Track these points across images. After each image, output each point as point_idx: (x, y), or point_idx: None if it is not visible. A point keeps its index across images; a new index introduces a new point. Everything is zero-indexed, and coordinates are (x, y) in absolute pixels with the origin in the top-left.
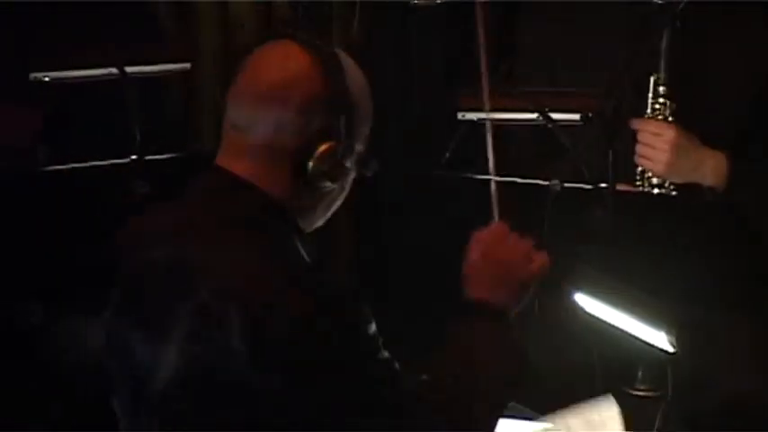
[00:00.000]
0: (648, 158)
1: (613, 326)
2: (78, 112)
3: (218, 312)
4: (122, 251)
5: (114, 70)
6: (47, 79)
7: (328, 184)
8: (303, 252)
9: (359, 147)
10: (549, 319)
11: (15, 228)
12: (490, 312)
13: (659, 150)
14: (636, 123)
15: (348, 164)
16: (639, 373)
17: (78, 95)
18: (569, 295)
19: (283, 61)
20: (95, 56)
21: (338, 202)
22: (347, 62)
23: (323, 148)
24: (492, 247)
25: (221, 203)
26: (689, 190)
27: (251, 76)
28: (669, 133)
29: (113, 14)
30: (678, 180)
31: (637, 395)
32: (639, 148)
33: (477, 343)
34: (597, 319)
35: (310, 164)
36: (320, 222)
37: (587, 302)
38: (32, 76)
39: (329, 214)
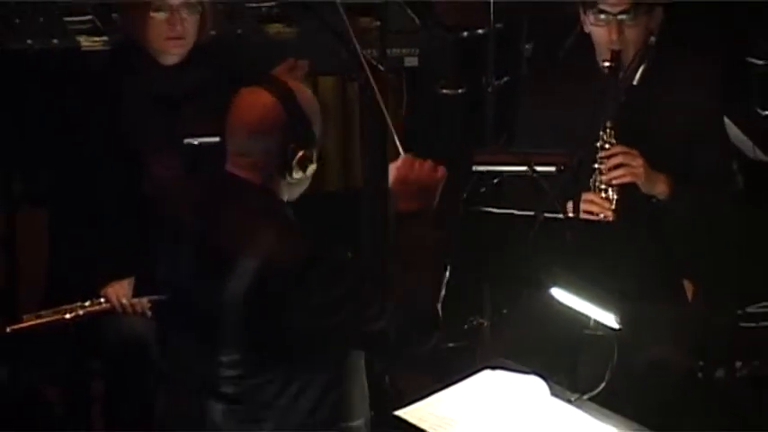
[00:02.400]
0: (631, 171)
1: (578, 310)
2: (211, 164)
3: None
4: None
5: None
6: (195, 143)
7: (303, 175)
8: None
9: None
10: (533, 305)
11: None
12: (417, 215)
13: (636, 163)
14: (608, 150)
15: (314, 156)
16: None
17: (212, 154)
18: (547, 289)
19: (256, 105)
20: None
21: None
22: (298, 89)
23: (300, 155)
24: (405, 171)
25: (241, 196)
26: (626, 216)
27: (239, 118)
28: (635, 151)
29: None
30: (645, 185)
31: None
32: (619, 169)
33: (414, 242)
34: (566, 306)
35: (294, 168)
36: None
37: (560, 294)
38: (186, 140)
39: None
